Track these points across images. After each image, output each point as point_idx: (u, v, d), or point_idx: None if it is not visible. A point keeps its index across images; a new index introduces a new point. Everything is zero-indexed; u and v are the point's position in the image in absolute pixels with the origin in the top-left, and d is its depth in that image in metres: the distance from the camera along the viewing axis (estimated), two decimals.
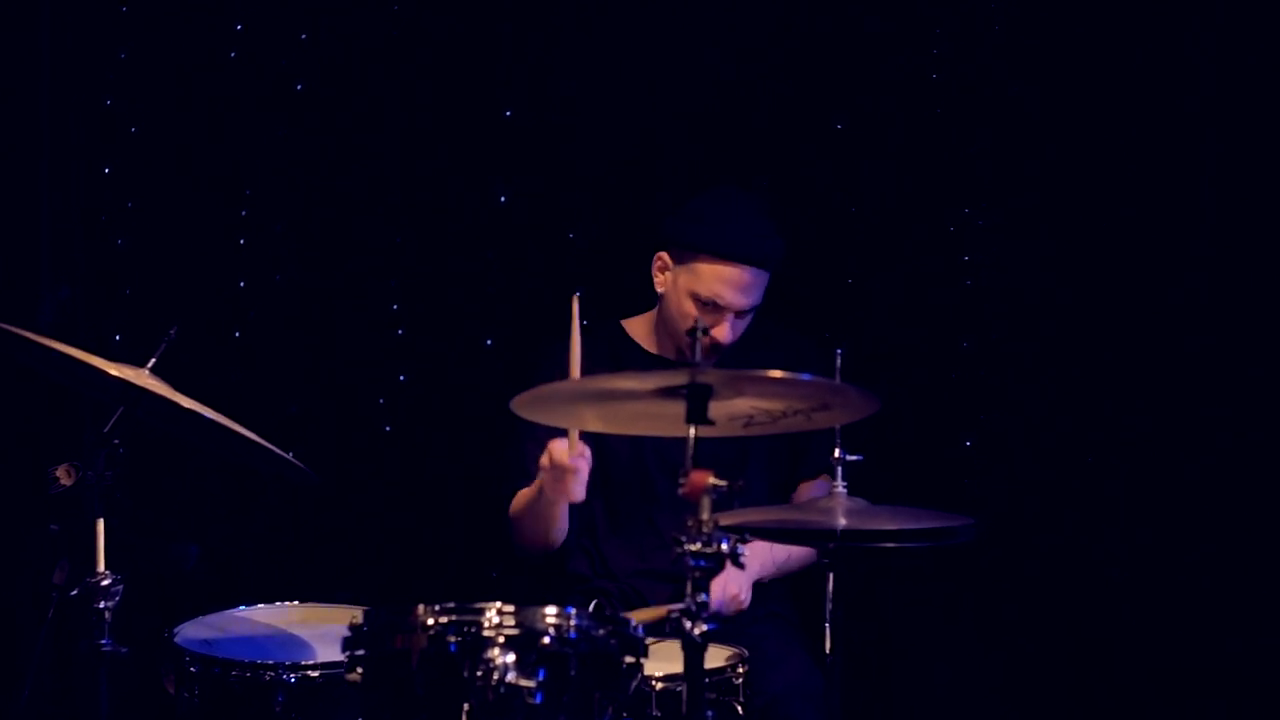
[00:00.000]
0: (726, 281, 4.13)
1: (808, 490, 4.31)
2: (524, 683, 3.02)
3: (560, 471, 3.82)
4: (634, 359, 4.32)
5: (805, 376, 3.08)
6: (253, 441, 3.64)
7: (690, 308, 4.15)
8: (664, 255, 4.23)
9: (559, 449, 3.81)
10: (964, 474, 4.74)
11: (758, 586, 4.18)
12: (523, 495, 4.15)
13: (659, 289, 4.26)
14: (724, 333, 4.15)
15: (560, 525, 4.12)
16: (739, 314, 4.17)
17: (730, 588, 4.04)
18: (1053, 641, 4.69)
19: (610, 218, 4.89)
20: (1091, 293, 4.70)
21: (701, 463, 3.05)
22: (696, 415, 3.11)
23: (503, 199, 4.94)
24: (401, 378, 4.94)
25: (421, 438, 4.90)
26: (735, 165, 4.82)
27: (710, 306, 4.14)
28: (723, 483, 3.03)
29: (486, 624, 3.07)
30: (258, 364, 4.86)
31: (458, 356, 4.93)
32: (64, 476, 3.62)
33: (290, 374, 4.88)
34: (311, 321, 4.92)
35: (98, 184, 4.79)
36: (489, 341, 4.94)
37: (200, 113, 4.86)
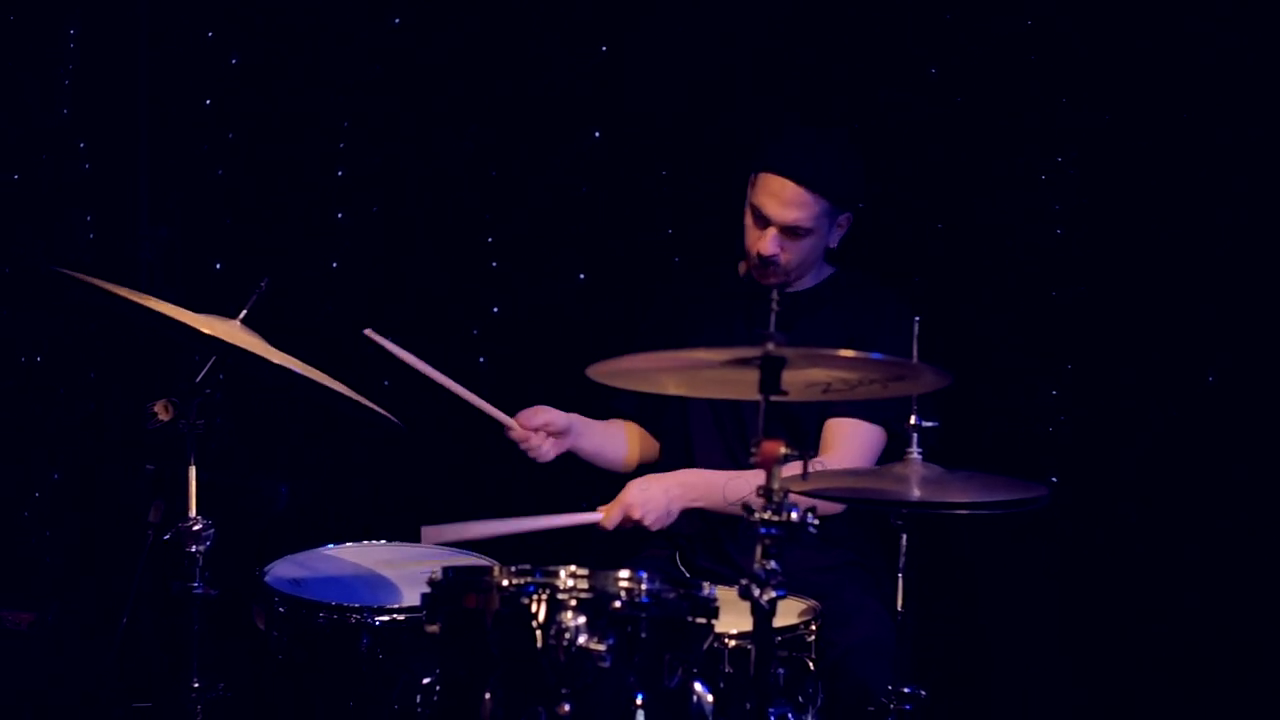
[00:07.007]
0: (770, 192, 4.13)
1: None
2: (594, 646, 3.08)
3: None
4: (720, 283, 4.36)
5: (876, 356, 3.08)
6: (343, 394, 3.71)
7: (749, 219, 4.19)
8: (751, 179, 4.24)
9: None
10: (1048, 423, 4.71)
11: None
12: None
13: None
14: (765, 245, 4.13)
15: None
16: (785, 232, 4.13)
17: (657, 500, 4.03)
18: (1136, 601, 4.63)
19: (701, 156, 4.90)
20: (1187, 244, 4.61)
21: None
22: (770, 386, 3.14)
23: (597, 134, 4.96)
24: (495, 310, 5.00)
25: (514, 370, 4.96)
26: (827, 108, 4.79)
27: (759, 218, 4.16)
28: (794, 452, 3.08)
29: (560, 586, 3.12)
30: (353, 296, 4.94)
31: (550, 290, 4.98)
32: (161, 412, 3.71)
33: (384, 306, 4.94)
34: (406, 254, 4.98)
35: (199, 114, 4.86)
36: (581, 276, 4.98)
37: (298, 46, 4.91)
